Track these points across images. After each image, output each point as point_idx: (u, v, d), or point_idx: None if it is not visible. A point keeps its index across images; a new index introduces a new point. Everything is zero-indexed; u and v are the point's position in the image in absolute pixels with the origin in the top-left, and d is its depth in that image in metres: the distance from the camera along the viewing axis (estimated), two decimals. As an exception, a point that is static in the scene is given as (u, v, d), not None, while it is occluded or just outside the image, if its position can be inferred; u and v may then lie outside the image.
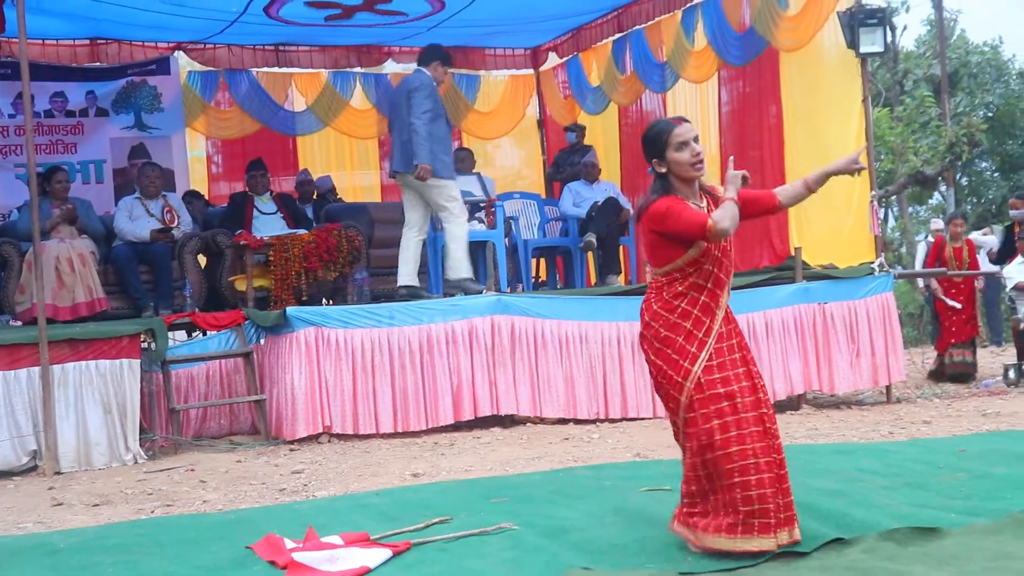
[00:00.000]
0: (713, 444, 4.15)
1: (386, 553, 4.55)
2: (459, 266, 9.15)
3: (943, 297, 11.45)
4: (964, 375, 11.14)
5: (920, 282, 13.92)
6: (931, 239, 13.42)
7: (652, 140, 4.31)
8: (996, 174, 27.87)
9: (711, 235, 4.15)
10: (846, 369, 9.44)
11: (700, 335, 4.25)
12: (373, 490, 6.28)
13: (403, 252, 9.25)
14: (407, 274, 9.24)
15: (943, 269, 11.25)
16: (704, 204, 4.37)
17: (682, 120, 4.36)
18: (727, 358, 4.26)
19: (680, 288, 4.30)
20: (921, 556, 4.20)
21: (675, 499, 5.31)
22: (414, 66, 13.56)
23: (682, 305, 4.28)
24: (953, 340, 11.42)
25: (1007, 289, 10.93)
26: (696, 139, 4.29)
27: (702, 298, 4.30)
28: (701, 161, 4.28)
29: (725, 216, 4.15)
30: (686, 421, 4.23)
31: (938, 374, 11.35)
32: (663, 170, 4.31)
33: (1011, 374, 10.65)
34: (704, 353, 4.23)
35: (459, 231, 9.08)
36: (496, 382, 8.75)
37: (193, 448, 8.39)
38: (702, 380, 4.20)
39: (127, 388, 8.08)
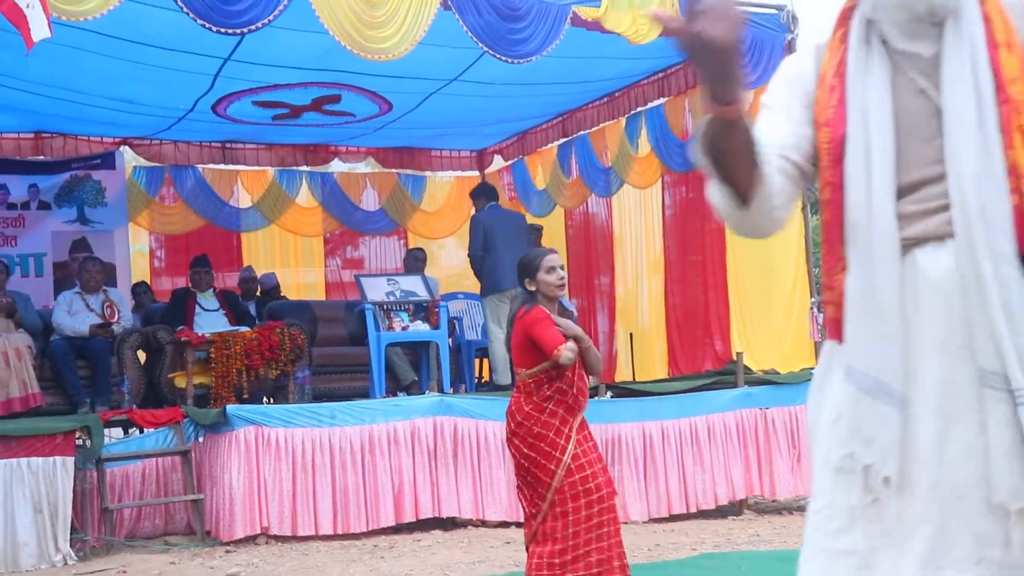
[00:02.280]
0: (579, 520, 4.72)
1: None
2: None
3: None
4: None
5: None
6: None
7: (527, 264, 5.03)
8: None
9: (556, 358, 4.76)
10: (787, 474, 9.48)
11: (567, 431, 4.83)
12: (310, 596, 6.15)
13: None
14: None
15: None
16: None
17: (552, 251, 5.15)
18: (589, 448, 4.88)
19: (547, 392, 4.86)
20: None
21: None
22: (360, 166, 13.77)
23: (549, 406, 4.85)
24: None
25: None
26: (562, 266, 5.07)
27: (567, 400, 4.86)
28: (563, 284, 5.00)
29: (569, 349, 4.77)
30: (553, 503, 4.74)
31: None
32: (532, 288, 4.99)
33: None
34: (571, 446, 4.80)
35: None
36: (438, 484, 8.67)
37: (126, 549, 8.17)
38: (572, 467, 4.76)
39: (59, 486, 7.88)
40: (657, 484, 9.11)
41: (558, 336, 4.80)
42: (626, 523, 8.78)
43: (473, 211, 10.95)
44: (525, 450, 4.84)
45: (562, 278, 5.00)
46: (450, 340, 10.58)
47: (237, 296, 10.95)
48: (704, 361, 10.77)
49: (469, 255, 10.51)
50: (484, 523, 8.76)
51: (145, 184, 12.63)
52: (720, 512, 9.30)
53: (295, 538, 8.26)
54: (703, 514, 9.18)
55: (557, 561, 4.66)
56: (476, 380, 11.29)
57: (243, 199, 13.29)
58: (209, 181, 12.97)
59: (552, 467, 4.76)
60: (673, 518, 9.04)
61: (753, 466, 9.38)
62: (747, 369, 9.71)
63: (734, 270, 10.51)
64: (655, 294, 11.76)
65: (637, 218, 12.04)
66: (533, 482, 4.81)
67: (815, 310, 10.09)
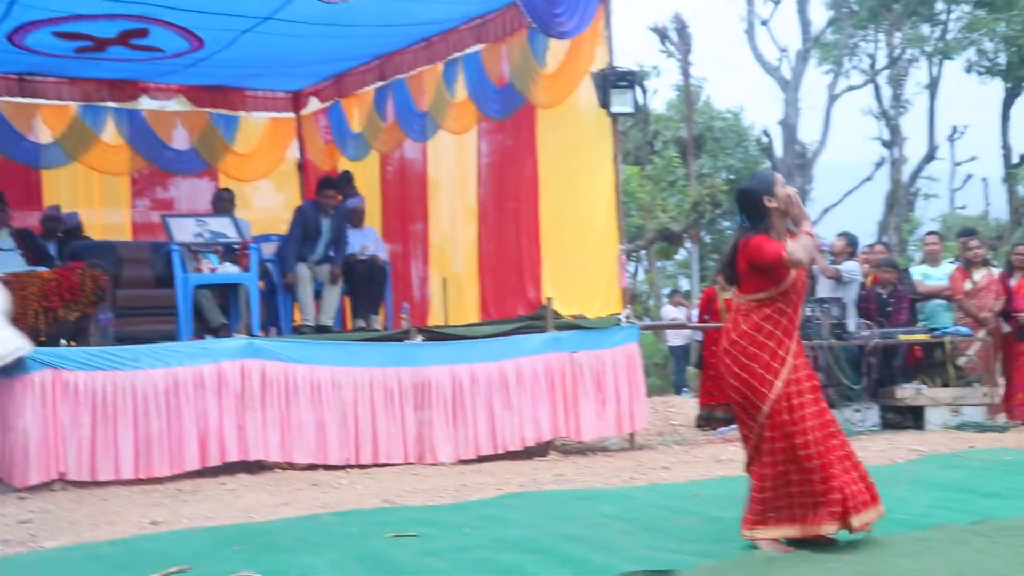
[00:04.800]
0: (795, 446, 4.87)
1: (117, 604, 4.36)
2: None
3: None
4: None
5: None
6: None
7: (760, 181, 5.15)
8: (737, 234, 29.47)
9: (786, 263, 4.88)
10: (593, 416, 9.74)
11: (782, 354, 4.96)
12: (107, 539, 6.01)
13: None
14: None
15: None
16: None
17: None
18: (803, 375, 5.01)
19: (767, 311, 4.98)
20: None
21: (421, 545, 5.37)
22: (170, 104, 13.31)
23: (767, 326, 4.97)
24: (712, 402, 11.63)
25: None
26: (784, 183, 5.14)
27: (783, 322, 4.98)
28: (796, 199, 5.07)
29: (798, 247, 4.89)
30: (764, 427, 4.92)
31: (705, 419, 11.66)
32: (773, 204, 5.02)
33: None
34: (785, 370, 4.94)
35: None
36: (245, 427, 8.58)
37: (-90, 497, 7.81)
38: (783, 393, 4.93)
39: None
40: (466, 426, 9.24)
41: (777, 245, 4.91)
42: (434, 464, 8.92)
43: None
44: (736, 370, 4.97)
45: (794, 191, 5.11)
46: (262, 284, 10.42)
47: (35, 235, 10.51)
48: (516, 307, 10.92)
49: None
50: (292, 466, 8.73)
51: (-64, 115, 11.94)
52: (527, 453, 9.50)
53: (94, 483, 8.06)
54: (510, 455, 9.37)
55: (770, 484, 4.92)
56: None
57: (43, 134, 12.70)
58: (6, 114, 12.34)
59: (765, 390, 4.91)
60: (481, 459, 9.19)
61: (560, 409, 9.60)
62: (556, 314, 9.89)
63: (547, 218, 10.66)
64: (469, 241, 11.83)
65: (452, 165, 12.06)
66: (745, 404, 4.97)
67: (623, 257, 10.36)
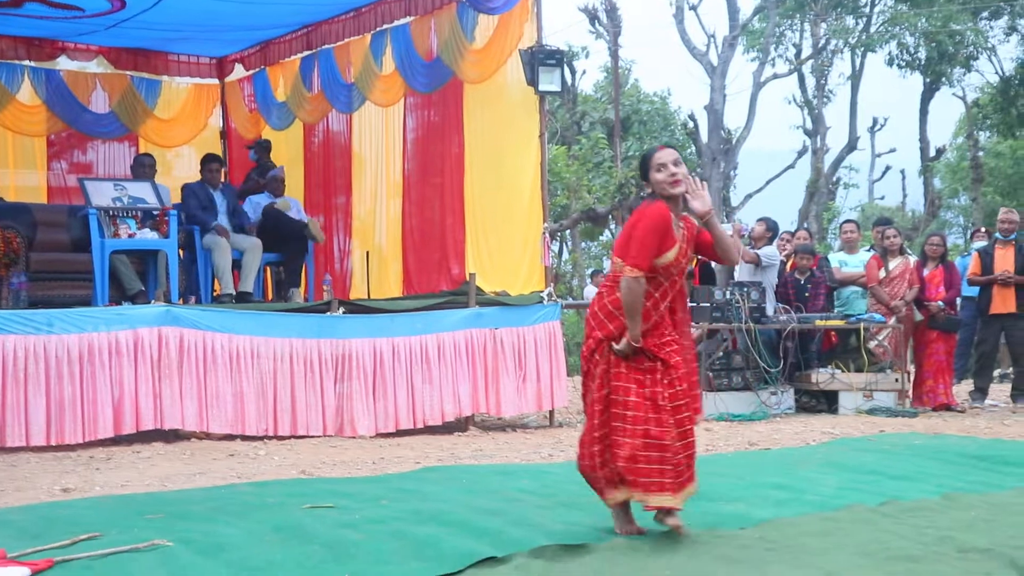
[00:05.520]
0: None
1: (24, 572, 4.28)
2: None
3: None
4: None
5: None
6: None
7: (641, 163, 4.97)
8: (661, 216, 29.73)
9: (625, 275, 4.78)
10: (513, 393, 9.77)
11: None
12: (16, 506, 5.90)
13: None
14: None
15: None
16: (682, 225, 4.92)
17: (664, 147, 4.99)
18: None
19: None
20: (566, 572, 4.40)
21: (338, 516, 5.35)
22: (90, 65, 13.01)
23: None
24: None
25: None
26: (676, 162, 4.85)
27: (654, 296, 4.84)
28: (677, 181, 4.81)
29: (626, 286, 4.77)
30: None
31: None
32: (649, 190, 4.92)
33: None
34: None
35: None
36: (161, 395, 8.46)
37: None
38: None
39: None
40: (386, 400, 9.22)
41: (640, 248, 4.72)
42: (353, 437, 8.89)
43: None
44: (589, 330, 4.97)
45: (673, 175, 4.80)
46: (181, 251, 10.28)
47: (-54, 194, 10.23)
48: (439, 282, 10.90)
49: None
50: (208, 436, 8.64)
51: None
52: (446, 428, 9.51)
53: (2, 449, 7.90)
54: (430, 430, 9.37)
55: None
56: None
57: (-45, 92, 12.34)
58: (-85, 70, 11.97)
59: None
60: (400, 433, 9.18)
61: (480, 384, 9.62)
62: (479, 290, 9.90)
63: (472, 195, 10.65)
64: (393, 215, 11.77)
65: (379, 138, 11.97)
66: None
67: (547, 236, 10.38)
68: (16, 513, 5.62)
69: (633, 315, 4.75)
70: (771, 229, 11.94)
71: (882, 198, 33.41)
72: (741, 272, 11.87)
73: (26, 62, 12.57)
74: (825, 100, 29.93)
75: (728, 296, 10.73)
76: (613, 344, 4.83)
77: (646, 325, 4.81)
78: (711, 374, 10.59)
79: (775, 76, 29.72)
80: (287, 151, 12.91)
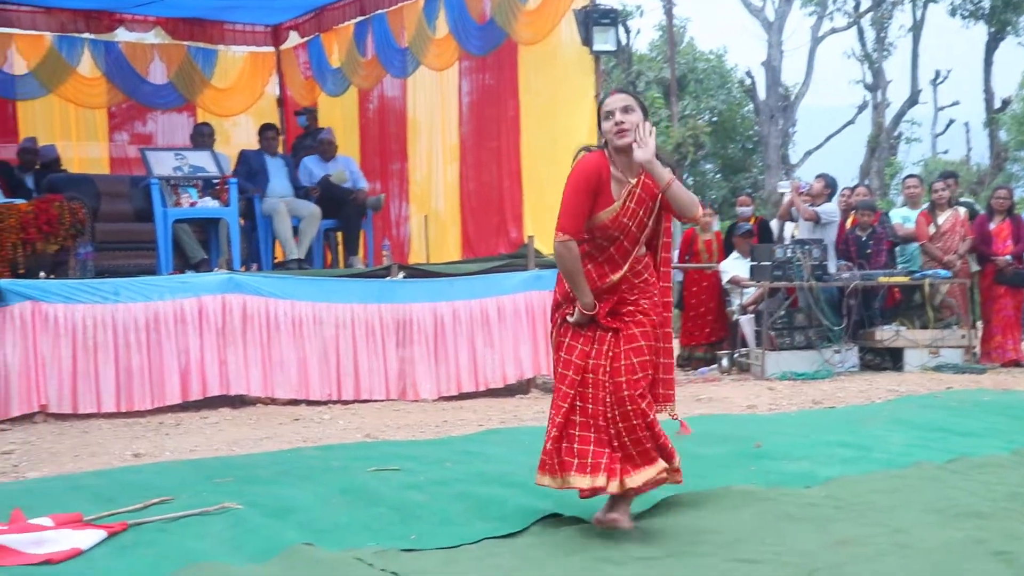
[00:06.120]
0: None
1: (100, 534, 4.38)
2: None
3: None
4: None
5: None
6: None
7: (600, 101, 4.50)
8: (718, 175, 29.53)
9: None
10: (574, 355, 9.74)
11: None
12: (90, 470, 6.03)
13: None
14: None
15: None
16: (634, 182, 4.30)
17: (619, 90, 4.41)
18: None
19: (586, 247, 4.36)
20: (632, 531, 4.41)
21: (403, 478, 5.40)
22: (148, 36, 13.11)
23: (587, 266, 4.39)
24: (693, 343, 11.73)
25: (723, 283, 11.54)
26: (626, 109, 4.26)
27: (598, 260, 4.37)
28: (622, 131, 4.22)
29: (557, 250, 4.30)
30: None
31: (686, 359, 11.74)
32: (603, 140, 4.37)
33: (724, 362, 11.31)
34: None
35: None
36: (226, 362, 8.58)
37: None
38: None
39: None
40: (447, 363, 9.26)
41: (566, 207, 4.24)
42: (415, 401, 8.96)
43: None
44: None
45: (619, 123, 4.22)
46: (242, 220, 10.37)
47: (12, 167, 10.40)
48: (497, 245, 10.91)
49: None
50: (273, 401, 8.75)
51: (-93, 44, 11.75)
52: (508, 391, 9.54)
53: (75, 416, 8.07)
54: (492, 393, 9.40)
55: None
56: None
57: (18, 65, 12.52)
58: (-21, 45, 12.16)
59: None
60: (462, 396, 9.23)
61: (541, 346, 9.63)
62: (538, 252, 9.89)
63: (528, 157, 10.62)
64: (450, 179, 11.77)
65: (434, 102, 11.96)
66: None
67: (605, 197, 10.31)
68: (90, 478, 5.74)
69: (573, 283, 4.31)
70: (830, 186, 11.78)
71: (945, 152, 32.77)
72: (801, 229, 11.74)
73: (86, 35, 12.74)
74: (885, 53, 29.36)
75: (790, 254, 10.62)
76: (567, 315, 4.37)
77: (596, 292, 4.32)
78: (773, 333, 10.51)
79: (833, 30, 29.20)
80: (342, 117, 12.96)
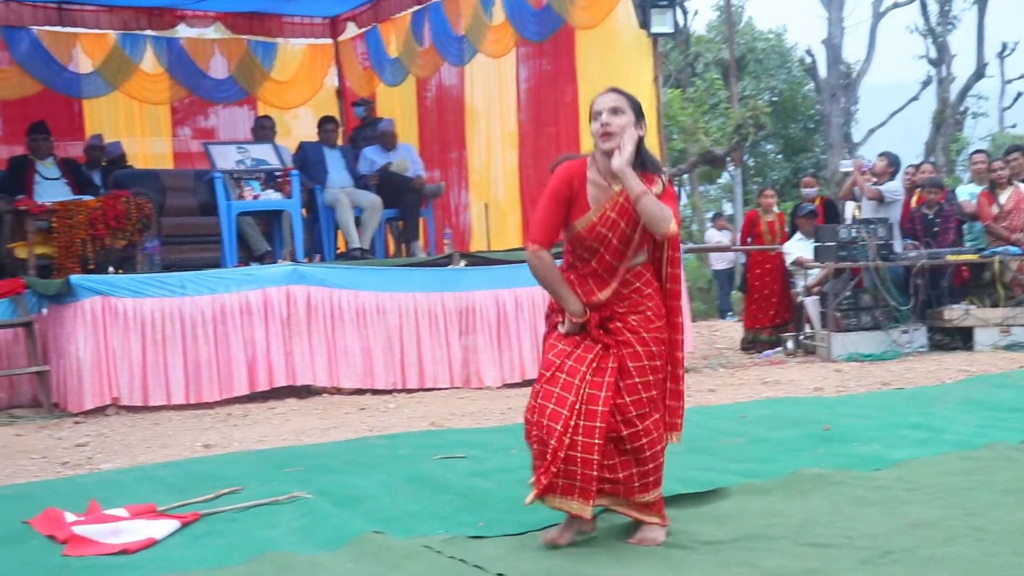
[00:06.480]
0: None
1: (174, 524, 4.45)
2: None
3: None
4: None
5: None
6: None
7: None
8: (780, 156, 29.21)
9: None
10: (637, 340, 9.71)
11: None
12: (162, 462, 6.12)
13: None
14: None
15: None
16: (618, 189, 3.93)
17: (611, 90, 4.07)
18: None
19: (569, 258, 4.13)
20: (700, 516, 4.39)
21: (469, 466, 5.41)
22: (208, 31, 13.24)
23: (571, 276, 4.12)
24: (757, 325, 11.65)
25: (787, 264, 11.43)
26: (615, 110, 3.94)
27: (579, 272, 4.09)
28: (606, 134, 3.91)
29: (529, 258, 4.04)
30: None
31: (750, 342, 11.66)
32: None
33: (789, 345, 11.20)
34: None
35: None
36: (292, 352, 8.66)
37: (-32, 423, 7.98)
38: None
39: None
40: (511, 350, 9.27)
41: (541, 217, 4.00)
42: (480, 388, 8.98)
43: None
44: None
45: (605, 125, 3.91)
46: (304, 211, 10.45)
47: (80, 165, 10.56)
48: (558, 231, 10.87)
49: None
50: (339, 390, 8.82)
51: (-25, 46, 12.00)
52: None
53: (146, 408, 8.20)
54: (555, 379, 9.37)
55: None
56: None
57: (83, 64, 12.74)
58: (45, 44, 12.36)
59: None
60: (526, 383, 9.22)
61: (607, 332, 9.59)
62: (599, 239, 9.84)
63: (587, 142, 10.51)
64: (509, 166, 11.78)
65: (492, 89, 11.96)
66: None
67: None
68: (162, 469, 5.83)
69: (553, 293, 4.04)
70: (893, 164, 11.60)
71: (1013, 126, 32.10)
72: (864, 209, 11.58)
73: (147, 32, 12.92)
74: (949, 27, 28.82)
75: (854, 234, 10.49)
76: (559, 324, 4.08)
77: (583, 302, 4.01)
78: (839, 314, 10.39)
79: (895, 5, 28.72)
80: (401, 107, 13.01)
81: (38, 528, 4.51)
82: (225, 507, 4.72)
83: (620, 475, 3.99)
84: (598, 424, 3.89)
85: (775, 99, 27.27)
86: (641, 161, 3.95)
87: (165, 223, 9.84)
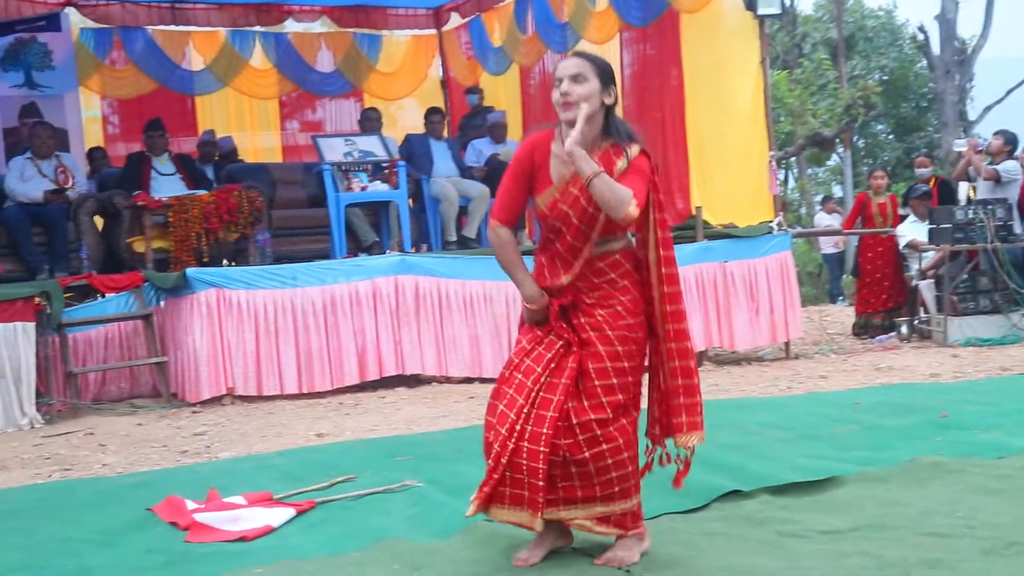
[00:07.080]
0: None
1: (290, 512, 4.54)
2: None
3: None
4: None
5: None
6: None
7: None
8: (891, 136, 28.53)
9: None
10: (746, 326, 9.63)
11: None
12: (277, 450, 6.25)
13: None
14: None
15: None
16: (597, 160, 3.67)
17: (576, 55, 3.79)
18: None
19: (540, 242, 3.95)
20: (815, 505, 4.33)
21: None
22: (314, 25, 13.43)
23: (541, 258, 3.92)
24: (870, 310, 11.44)
25: (901, 247, 11.18)
26: (576, 77, 3.64)
27: (549, 251, 3.83)
28: (567, 103, 3.63)
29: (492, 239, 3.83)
30: None
31: (862, 327, 11.45)
32: None
33: (903, 330, 10.95)
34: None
35: None
36: (401, 342, 8.76)
37: (92, 412, 8.24)
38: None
39: (21, 352, 7.92)
40: (617, 338, 9.22)
41: (501, 193, 3.81)
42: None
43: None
44: None
45: (564, 93, 3.63)
46: (411, 201, 10.55)
47: (194, 160, 10.82)
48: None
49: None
50: (448, 379, 8.89)
51: (94, 47, 12.35)
52: (680, 364, 9.43)
53: (260, 397, 8.37)
54: (662, 366, 9.31)
55: None
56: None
57: (195, 61, 13.03)
58: (159, 43, 12.68)
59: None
60: (633, 370, 9.18)
61: (712, 319, 9.52)
62: (706, 223, 9.76)
63: (693, 126, 10.47)
64: (615, 152, 11.70)
65: (596, 75, 11.89)
66: None
67: (774, 164, 10.12)
68: (278, 457, 5.95)
69: (509, 274, 3.80)
70: (1010, 142, 11.24)
71: None
72: (979, 189, 11.24)
73: (256, 28, 13.15)
74: (1069, -1, 27.82)
75: (972, 215, 10.20)
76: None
77: (547, 291, 3.79)
78: (955, 298, 10.12)
79: (1012, -23, 27.83)
80: (505, 95, 13.03)
81: (161, 515, 4.64)
82: (339, 495, 4.80)
83: (579, 494, 3.67)
84: (545, 431, 3.58)
85: (885, 78, 26.64)
86: (609, 130, 3.72)
87: (275, 216, 10.02)
